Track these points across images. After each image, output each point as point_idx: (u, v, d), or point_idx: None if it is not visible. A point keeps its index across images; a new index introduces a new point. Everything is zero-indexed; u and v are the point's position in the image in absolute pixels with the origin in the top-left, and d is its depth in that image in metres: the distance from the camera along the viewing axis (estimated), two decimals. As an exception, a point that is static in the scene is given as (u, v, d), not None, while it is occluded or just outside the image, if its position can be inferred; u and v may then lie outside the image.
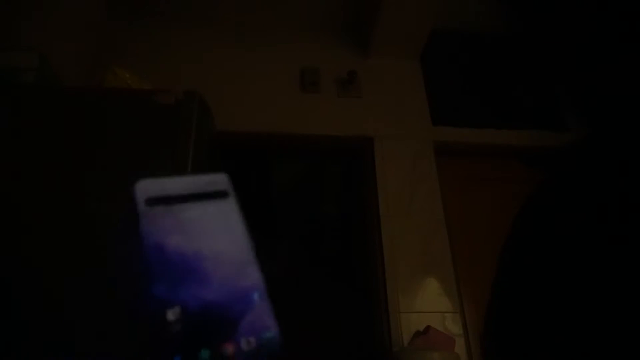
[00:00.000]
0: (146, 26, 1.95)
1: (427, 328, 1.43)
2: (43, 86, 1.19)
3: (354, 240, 1.99)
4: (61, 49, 1.45)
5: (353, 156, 1.95)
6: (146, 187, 0.33)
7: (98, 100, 1.08)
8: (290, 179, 2.36)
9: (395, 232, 1.63)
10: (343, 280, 2.06)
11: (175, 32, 1.95)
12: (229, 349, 0.28)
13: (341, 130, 1.84)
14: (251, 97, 1.83)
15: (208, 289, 0.29)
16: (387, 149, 1.80)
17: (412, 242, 1.62)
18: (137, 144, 1.01)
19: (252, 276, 0.30)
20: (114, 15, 1.91)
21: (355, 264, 1.95)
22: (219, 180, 0.34)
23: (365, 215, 1.78)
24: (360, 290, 1.80)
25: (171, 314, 0.28)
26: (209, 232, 0.31)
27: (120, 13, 1.93)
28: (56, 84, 1.28)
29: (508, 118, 1.94)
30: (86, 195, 0.94)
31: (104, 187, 0.96)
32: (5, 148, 0.97)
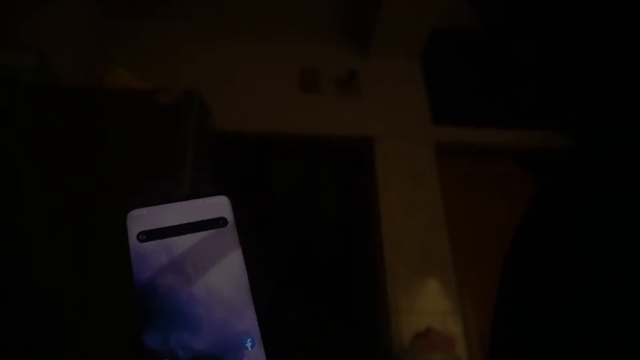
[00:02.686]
0: (145, 26, 1.95)
1: (428, 329, 1.43)
2: (42, 86, 1.19)
3: (354, 240, 1.98)
4: (61, 49, 1.45)
5: (353, 156, 1.95)
6: (138, 219, 0.31)
7: (97, 100, 1.08)
8: (290, 179, 2.36)
9: (395, 232, 1.62)
10: (343, 280, 2.06)
11: (174, 32, 1.95)
12: None
13: (341, 130, 1.83)
14: (251, 96, 1.83)
15: (199, 337, 0.28)
16: (387, 148, 1.80)
17: (412, 242, 1.61)
18: (136, 144, 1.01)
19: (247, 320, 0.28)
20: (113, 15, 1.90)
21: (355, 264, 1.95)
22: (218, 205, 0.32)
23: (365, 215, 1.78)
24: (361, 290, 1.80)
25: None
26: (203, 271, 0.29)
27: (119, 13, 1.92)
28: (56, 84, 1.28)
29: (509, 118, 1.93)
30: (86, 196, 0.94)
31: (103, 187, 0.95)
32: (5, 148, 0.97)
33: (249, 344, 0.28)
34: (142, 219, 0.31)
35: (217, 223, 0.31)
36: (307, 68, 1.93)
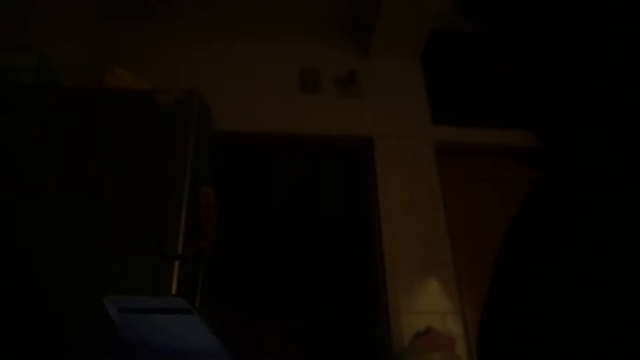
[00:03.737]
0: (146, 26, 1.95)
1: (428, 329, 1.43)
2: (43, 86, 1.19)
3: (354, 240, 1.98)
4: (61, 49, 1.45)
5: (353, 156, 1.95)
6: (115, 300, 0.37)
7: (98, 100, 1.08)
8: (290, 179, 2.36)
9: (395, 232, 1.62)
10: (343, 280, 2.06)
11: (175, 32, 1.95)
12: None
13: (341, 130, 1.83)
14: (251, 96, 1.83)
15: None
16: (387, 149, 1.80)
17: (412, 242, 1.61)
18: (137, 143, 1.01)
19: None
20: (113, 15, 1.90)
21: (355, 264, 1.95)
22: (180, 302, 0.39)
23: (365, 215, 1.78)
24: (361, 290, 1.80)
25: None
26: (183, 335, 0.36)
27: (119, 13, 1.92)
28: (56, 84, 1.28)
29: (508, 118, 1.93)
30: (86, 195, 0.94)
31: (103, 187, 0.95)
32: (5, 148, 0.97)
33: None
34: (118, 300, 0.38)
35: (184, 311, 0.38)
36: (307, 68, 1.93)
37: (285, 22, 2.03)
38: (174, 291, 0.86)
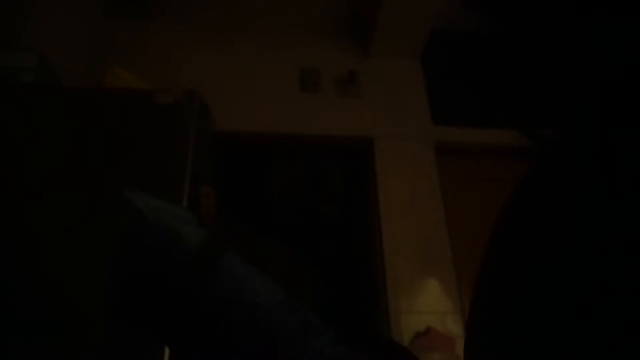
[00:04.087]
0: (145, 26, 1.95)
1: (428, 329, 1.43)
2: (43, 86, 1.19)
3: (354, 240, 1.98)
4: (61, 49, 1.45)
5: (353, 156, 1.95)
6: (140, 196, 0.38)
7: (98, 100, 1.08)
8: (291, 179, 2.36)
9: (395, 232, 1.62)
10: (343, 280, 2.06)
11: (175, 32, 1.95)
12: None
13: (341, 130, 1.83)
14: (251, 96, 1.83)
15: None
16: (387, 149, 1.80)
17: (412, 242, 1.62)
18: (136, 143, 1.01)
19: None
20: (113, 15, 1.90)
21: (355, 264, 1.95)
22: (191, 215, 0.42)
23: (365, 215, 1.78)
24: (361, 290, 1.80)
25: None
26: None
27: (119, 13, 1.92)
28: (56, 84, 1.28)
29: (509, 118, 1.93)
30: (86, 195, 0.94)
31: (103, 187, 0.95)
32: (5, 148, 0.97)
33: None
34: (142, 196, 0.39)
35: (192, 221, 0.39)
36: (307, 68, 1.93)
37: (285, 22, 2.03)
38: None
